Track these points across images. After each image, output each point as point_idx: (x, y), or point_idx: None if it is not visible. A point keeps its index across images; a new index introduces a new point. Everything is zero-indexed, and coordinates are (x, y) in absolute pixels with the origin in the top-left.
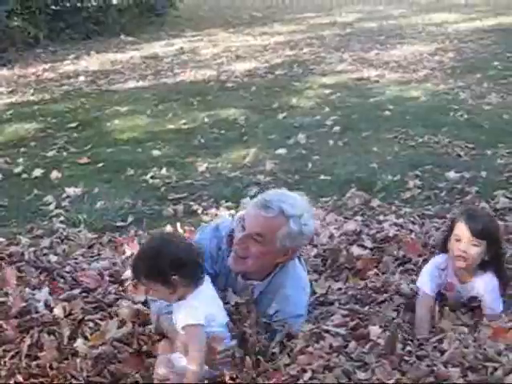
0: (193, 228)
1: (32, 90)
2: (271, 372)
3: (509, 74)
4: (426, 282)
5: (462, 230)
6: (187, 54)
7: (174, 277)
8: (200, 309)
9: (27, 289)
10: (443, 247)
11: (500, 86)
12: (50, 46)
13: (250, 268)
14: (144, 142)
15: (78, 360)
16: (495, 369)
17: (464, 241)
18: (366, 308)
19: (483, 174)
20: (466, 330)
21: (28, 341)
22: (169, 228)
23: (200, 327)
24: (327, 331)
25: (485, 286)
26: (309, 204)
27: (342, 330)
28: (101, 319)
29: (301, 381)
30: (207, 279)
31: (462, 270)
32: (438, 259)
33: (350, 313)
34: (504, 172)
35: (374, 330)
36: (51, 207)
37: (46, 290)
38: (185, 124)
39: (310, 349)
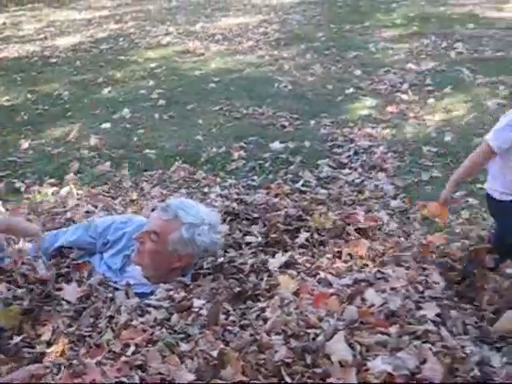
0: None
1: None
2: (94, 349)
3: (332, 44)
4: (491, 138)
5: None
6: (10, 29)
7: None
8: None
9: None
10: None
11: (324, 56)
12: None
13: (145, 264)
14: None
15: None
16: (317, 335)
17: None
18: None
19: (307, 143)
20: (290, 296)
21: None
22: None
23: None
24: (150, 305)
25: None
26: (218, 220)
27: (165, 303)
28: None
29: (123, 357)
30: None
31: None
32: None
33: (174, 285)
34: (327, 141)
35: (197, 302)
36: None
37: None
38: (8, 101)
39: (134, 322)
